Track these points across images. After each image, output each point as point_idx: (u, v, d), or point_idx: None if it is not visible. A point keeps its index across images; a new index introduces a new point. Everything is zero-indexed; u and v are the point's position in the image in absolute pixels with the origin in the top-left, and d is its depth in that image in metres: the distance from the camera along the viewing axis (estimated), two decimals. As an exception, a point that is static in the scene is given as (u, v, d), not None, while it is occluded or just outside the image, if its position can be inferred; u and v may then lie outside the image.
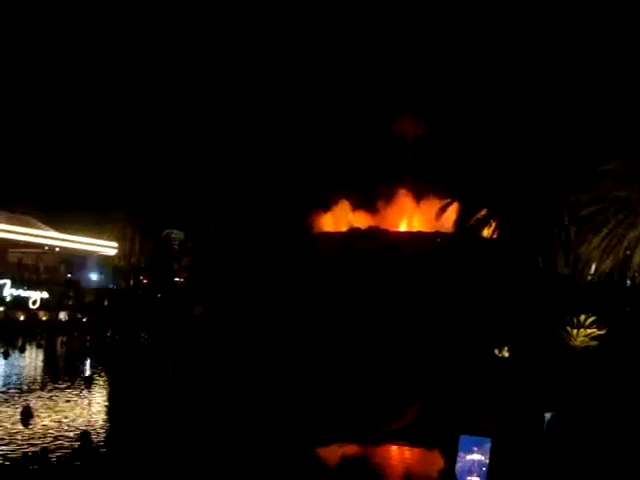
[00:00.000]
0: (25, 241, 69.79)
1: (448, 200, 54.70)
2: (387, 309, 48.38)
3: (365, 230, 62.90)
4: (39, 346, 52.20)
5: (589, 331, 40.29)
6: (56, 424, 23.20)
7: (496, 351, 40.95)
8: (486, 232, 48.14)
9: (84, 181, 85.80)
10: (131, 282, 79.19)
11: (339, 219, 69.74)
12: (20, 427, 22.28)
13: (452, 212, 53.54)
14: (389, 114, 79.01)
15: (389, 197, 70.58)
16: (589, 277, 41.52)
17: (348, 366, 40.05)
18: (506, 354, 40.90)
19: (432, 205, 62.55)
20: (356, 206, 70.60)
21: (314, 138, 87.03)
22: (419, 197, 69.97)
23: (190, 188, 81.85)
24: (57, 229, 71.85)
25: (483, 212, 48.09)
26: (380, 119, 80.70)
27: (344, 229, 66.89)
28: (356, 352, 42.92)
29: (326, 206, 70.42)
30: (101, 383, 34.53)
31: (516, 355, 40.14)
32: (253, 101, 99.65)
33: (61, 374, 37.67)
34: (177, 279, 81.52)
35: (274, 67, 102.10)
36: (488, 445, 15.50)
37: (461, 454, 15.53)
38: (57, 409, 26.29)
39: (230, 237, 67.14)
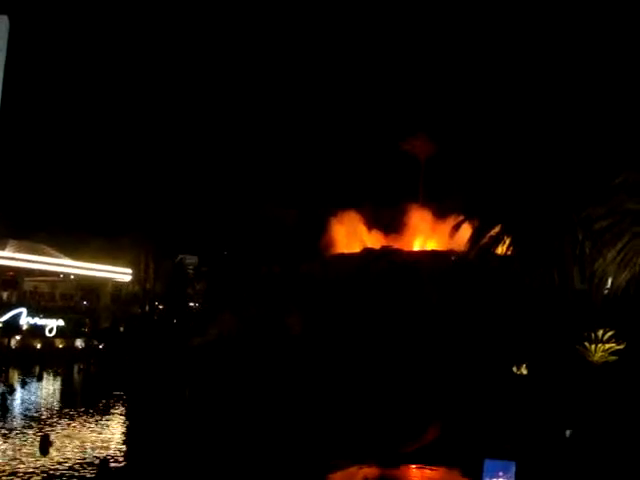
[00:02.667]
0: (40, 269, 70.29)
1: (461, 218, 54.55)
2: (404, 329, 48.17)
3: (379, 250, 62.82)
4: (56, 374, 52.18)
5: (607, 346, 39.98)
6: (75, 452, 23.15)
7: (514, 369, 40.65)
8: (500, 249, 47.89)
9: (97, 209, 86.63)
10: (146, 308, 79.34)
11: (349, 230, 69.84)
12: (39, 456, 22.24)
13: (466, 230, 53.36)
14: (400, 135, 79.44)
15: (402, 217, 70.55)
16: (605, 291, 41.15)
17: (366, 386, 39.87)
18: (524, 371, 40.60)
19: (445, 224, 62.46)
20: (370, 226, 70.67)
21: (326, 159, 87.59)
22: (432, 216, 69.95)
23: (203, 212, 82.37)
24: (72, 257, 72.18)
25: (497, 229, 47.90)
26: (391, 140, 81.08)
27: (355, 241, 67.05)
28: (374, 372, 42.77)
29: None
30: (119, 409, 34.46)
31: (535, 372, 39.83)
32: (266, 123, 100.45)
33: (79, 401, 37.61)
34: (192, 304, 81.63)
35: (288, 89, 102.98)
36: (513, 468, 15.40)
37: (486, 479, 15.40)
38: (75, 437, 26.25)
39: (245, 260, 67.21)
